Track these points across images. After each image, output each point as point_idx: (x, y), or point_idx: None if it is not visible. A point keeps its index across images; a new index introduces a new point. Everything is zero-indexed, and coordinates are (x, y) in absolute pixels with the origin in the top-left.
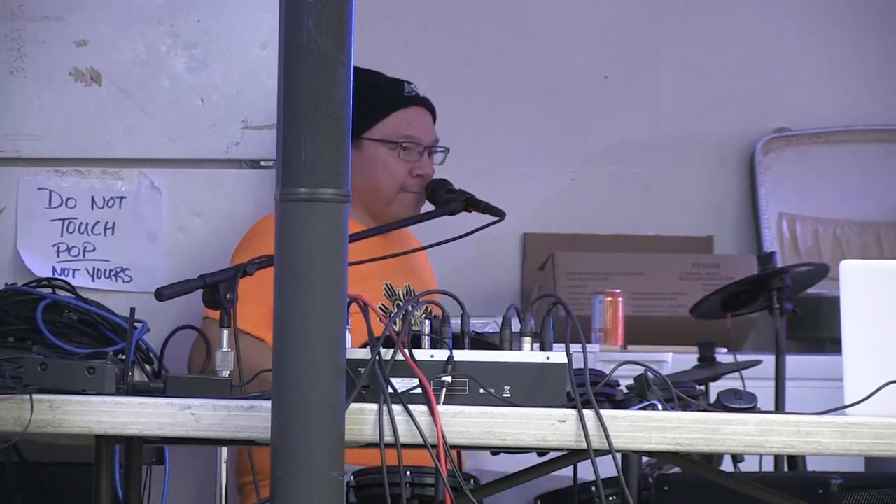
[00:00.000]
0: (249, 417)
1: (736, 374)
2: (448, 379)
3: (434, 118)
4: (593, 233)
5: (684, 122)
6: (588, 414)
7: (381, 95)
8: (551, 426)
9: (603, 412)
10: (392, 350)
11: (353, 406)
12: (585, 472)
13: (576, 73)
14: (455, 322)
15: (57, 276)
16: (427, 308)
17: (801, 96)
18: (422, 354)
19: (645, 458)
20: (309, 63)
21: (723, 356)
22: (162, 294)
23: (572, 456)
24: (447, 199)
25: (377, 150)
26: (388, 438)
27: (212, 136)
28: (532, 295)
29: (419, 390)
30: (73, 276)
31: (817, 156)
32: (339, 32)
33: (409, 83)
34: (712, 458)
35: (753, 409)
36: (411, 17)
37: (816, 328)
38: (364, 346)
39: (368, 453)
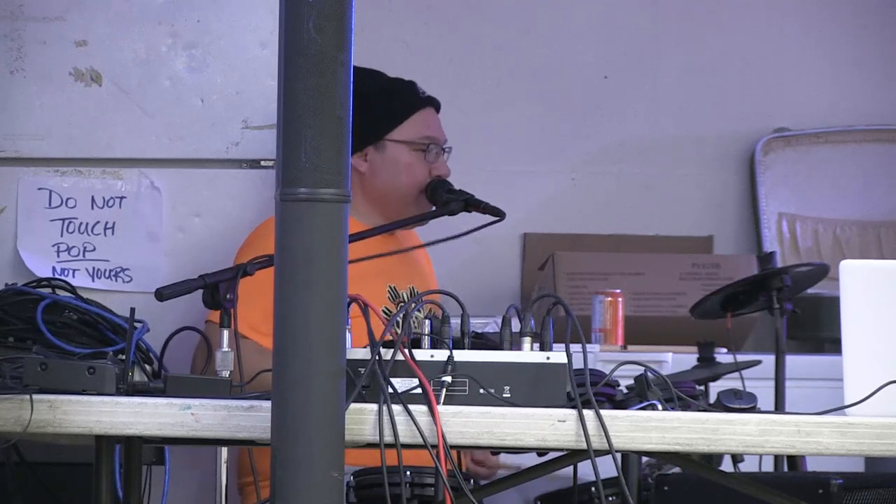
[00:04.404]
0: (249, 417)
1: (736, 374)
2: (448, 379)
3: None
4: (593, 233)
5: (684, 122)
6: (588, 414)
7: (401, 96)
8: (551, 426)
9: (603, 412)
10: (392, 350)
11: (353, 406)
12: (585, 472)
13: (576, 73)
14: (455, 322)
15: (57, 276)
16: (429, 308)
17: (801, 96)
18: (422, 354)
19: (645, 458)
20: (309, 63)
21: (723, 356)
22: (162, 294)
23: (572, 456)
24: (447, 199)
25: (400, 151)
26: (388, 438)
27: (212, 136)
28: (532, 295)
29: (419, 390)
30: (73, 276)
31: (817, 156)
32: (339, 32)
33: (415, 83)
34: (712, 458)
35: (753, 409)
36: (411, 17)
37: (816, 328)
38: (364, 345)
39: (368, 453)
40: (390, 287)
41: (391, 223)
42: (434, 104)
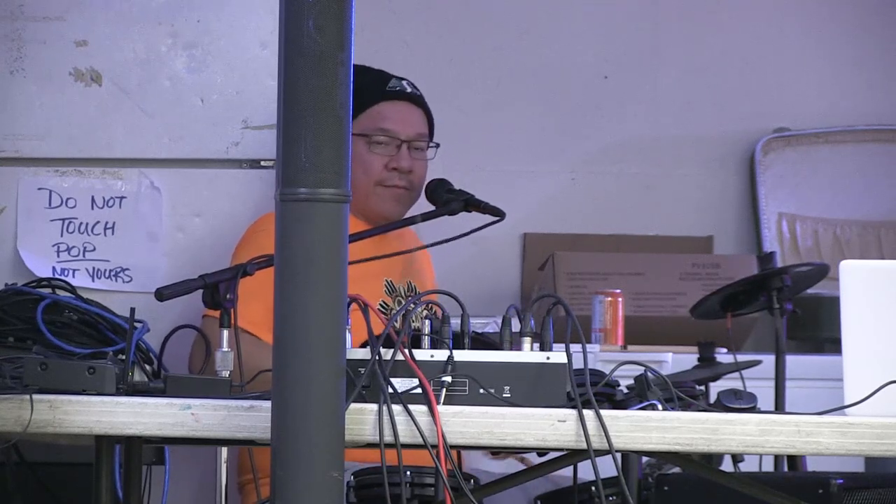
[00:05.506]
0: (249, 417)
1: (736, 374)
2: (448, 379)
3: (428, 115)
4: (593, 233)
5: (684, 122)
6: (588, 414)
7: (360, 90)
8: (551, 426)
9: (603, 412)
10: (392, 350)
11: (353, 406)
12: (585, 472)
13: (576, 73)
14: (455, 322)
15: (57, 276)
16: (430, 307)
17: (801, 96)
18: (422, 354)
19: (645, 458)
20: (309, 63)
21: (723, 356)
22: (162, 294)
23: (572, 456)
24: (447, 199)
25: (354, 144)
26: (388, 438)
27: (212, 136)
28: (532, 295)
29: (419, 390)
30: (73, 276)
31: (817, 156)
32: (339, 32)
33: (402, 79)
34: (712, 458)
35: (753, 409)
36: (411, 17)
37: (816, 328)
38: (364, 345)
39: (368, 452)
40: (387, 281)
41: (391, 223)
42: (410, 99)
